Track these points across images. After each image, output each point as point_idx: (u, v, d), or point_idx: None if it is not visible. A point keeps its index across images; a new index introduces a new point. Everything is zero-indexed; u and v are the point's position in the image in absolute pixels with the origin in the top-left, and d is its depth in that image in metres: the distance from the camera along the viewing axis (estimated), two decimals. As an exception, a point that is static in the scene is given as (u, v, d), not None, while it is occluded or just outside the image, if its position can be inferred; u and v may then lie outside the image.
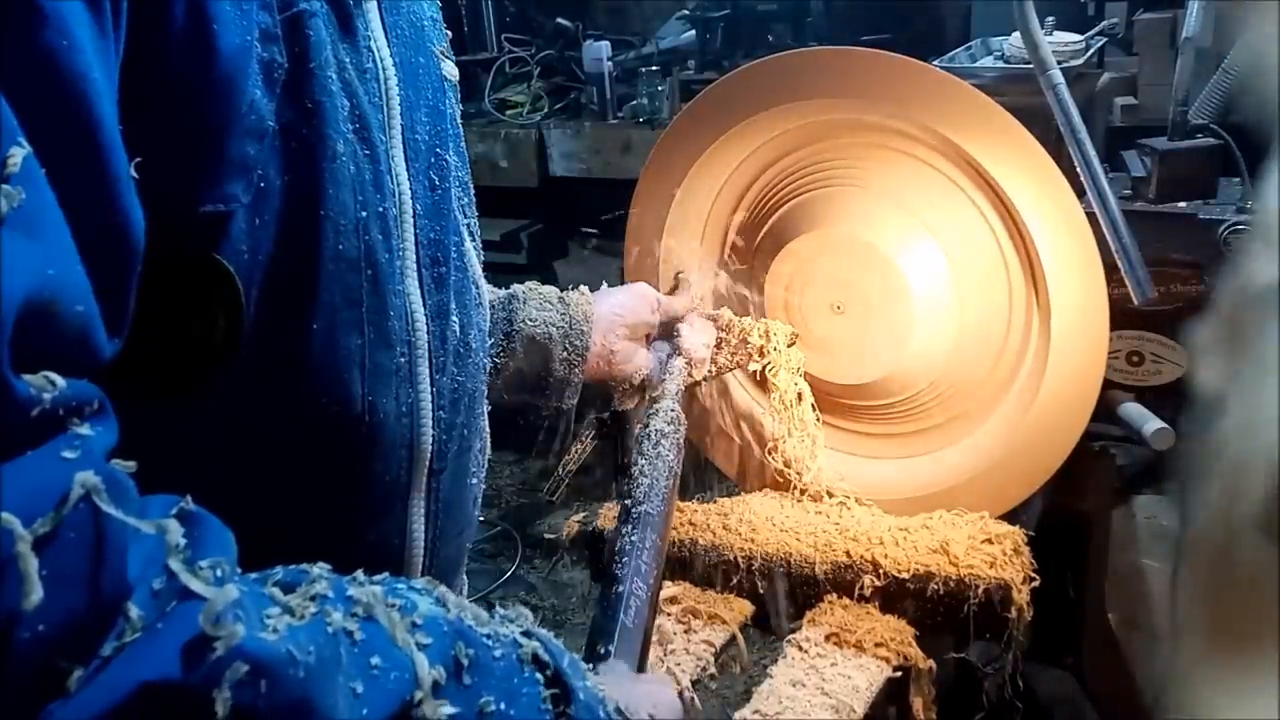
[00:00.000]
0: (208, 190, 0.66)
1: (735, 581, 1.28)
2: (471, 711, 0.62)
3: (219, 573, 0.54)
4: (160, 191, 0.61)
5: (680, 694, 1.10)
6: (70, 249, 0.53)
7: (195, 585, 0.52)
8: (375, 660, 0.58)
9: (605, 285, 1.30)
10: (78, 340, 0.53)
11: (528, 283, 1.22)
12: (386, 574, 0.66)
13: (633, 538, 1.03)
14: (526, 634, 0.69)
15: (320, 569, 0.61)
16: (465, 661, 0.62)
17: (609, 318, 1.24)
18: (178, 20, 0.62)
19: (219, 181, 0.66)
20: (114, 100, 0.57)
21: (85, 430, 0.51)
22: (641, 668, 0.93)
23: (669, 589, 1.26)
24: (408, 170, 0.81)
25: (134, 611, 0.51)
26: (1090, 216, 1.22)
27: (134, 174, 0.58)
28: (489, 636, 0.66)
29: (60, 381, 0.50)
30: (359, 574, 0.64)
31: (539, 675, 0.67)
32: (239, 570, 0.57)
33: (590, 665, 0.80)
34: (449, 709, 0.60)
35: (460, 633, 0.64)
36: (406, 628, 0.61)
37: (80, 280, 0.53)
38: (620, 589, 0.97)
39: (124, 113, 0.58)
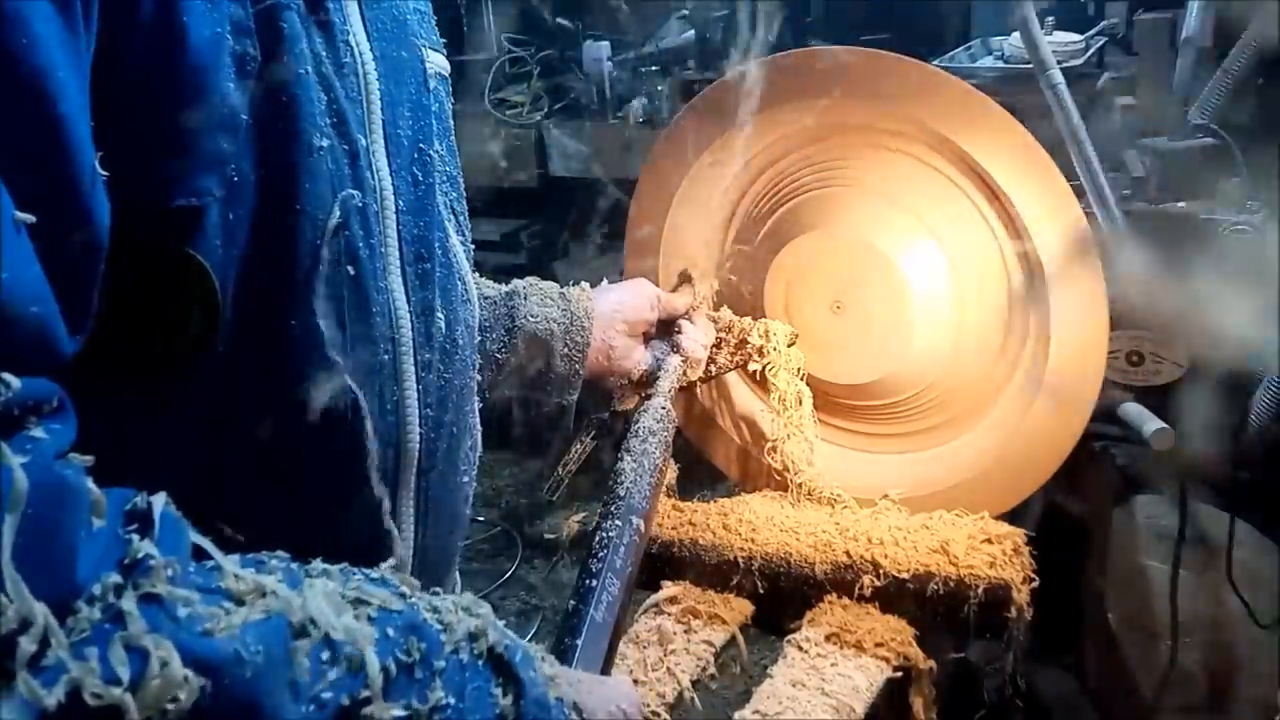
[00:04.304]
0: (180, 184, 0.66)
1: (735, 581, 1.27)
2: (422, 705, 0.62)
3: (170, 572, 0.54)
4: (132, 186, 0.61)
5: (681, 694, 1.10)
6: (25, 250, 0.53)
7: (149, 587, 0.53)
8: (325, 656, 0.58)
9: (606, 282, 1.30)
10: (34, 340, 0.53)
11: (528, 278, 1.22)
12: (345, 564, 0.66)
13: (611, 533, 1.03)
14: (483, 627, 0.69)
15: (278, 559, 0.62)
16: (417, 655, 0.63)
17: (608, 314, 1.25)
18: (147, 13, 0.62)
19: (192, 175, 0.66)
20: (83, 97, 0.57)
21: (38, 433, 0.51)
22: (608, 663, 0.94)
23: (669, 589, 1.26)
24: (389, 166, 0.80)
25: (83, 611, 0.51)
26: (1090, 216, 1.22)
27: (104, 170, 0.58)
28: (444, 629, 0.66)
29: (15, 382, 0.50)
30: (316, 563, 0.64)
31: (491, 669, 0.68)
32: (193, 562, 0.57)
33: (556, 658, 0.80)
34: (398, 707, 0.61)
35: (413, 626, 0.64)
36: (359, 621, 0.61)
37: (36, 281, 0.53)
38: (593, 583, 0.97)
39: (95, 107, 0.58)
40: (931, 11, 2.59)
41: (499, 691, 0.67)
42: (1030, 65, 1.29)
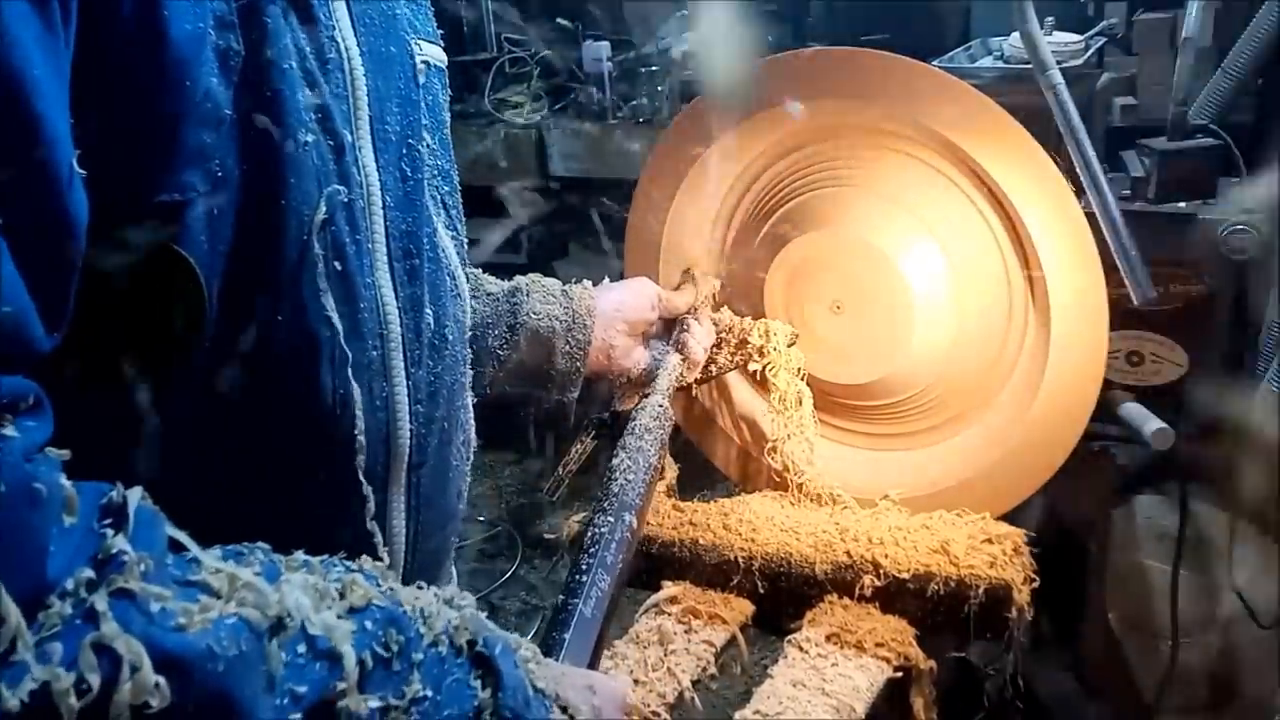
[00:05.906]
0: (164, 180, 0.65)
1: (735, 581, 1.27)
2: (400, 697, 0.63)
3: (143, 568, 0.54)
4: (116, 182, 0.61)
5: (681, 694, 1.10)
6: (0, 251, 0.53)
7: (122, 583, 0.53)
8: (301, 649, 0.58)
9: (607, 280, 1.30)
10: (9, 339, 0.54)
11: (531, 275, 1.22)
12: (326, 555, 0.66)
13: (603, 529, 1.03)
14: (464, 620, 0.69)
15: (258, 551, 0.62)
16: (395, 648, 0.63)
17: (610, 313, 1.25)
18: (128, 8, 0.61)
19: (175, 171, 0.66)
20: (62, 95, 0.57)
21: (10, 431, 0.51)
22: (596, 657, 0.94)
23: (669, 589, 1.26)
24: (377, 161, 0.80)
25: (55, 607, 0.51)
26: (1090, 216, 1.22)
27: (88, 166, 0.58)
28: (424, 622, 0.66)
29: None
30: (297, 555, 0.64)
31: (470, 662, 0.68)
32: (171, 555, 0.57)
33: (544, 651, 0.80)
34: (374, 699, 0.61)
35: (393, 619, 0.64)
36: (338, 614, 0.61)
37: (10, 280, 0.53)
38: (584, 579, 0.97)
39: (77, 104, 0.58)
40: (931, 11, 2.59)
41: (478, 684, 0.68)
42: (1030, 65, 1.29)
